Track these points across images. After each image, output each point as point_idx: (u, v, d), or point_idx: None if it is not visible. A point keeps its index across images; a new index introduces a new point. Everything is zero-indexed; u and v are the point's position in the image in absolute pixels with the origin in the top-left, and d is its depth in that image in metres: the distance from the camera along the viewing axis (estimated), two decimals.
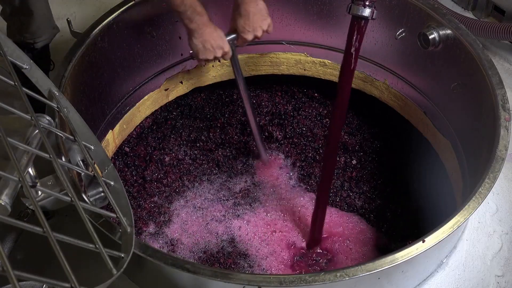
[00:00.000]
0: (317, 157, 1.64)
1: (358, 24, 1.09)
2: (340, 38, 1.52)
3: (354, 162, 1.64)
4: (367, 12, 1.07)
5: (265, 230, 1.47)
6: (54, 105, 0.88)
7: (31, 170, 0.75)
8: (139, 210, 1.50)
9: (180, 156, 1.64)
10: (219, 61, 1.62)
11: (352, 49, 1.11)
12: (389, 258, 0.91)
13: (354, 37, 1.10)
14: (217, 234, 1.46)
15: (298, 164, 1.64)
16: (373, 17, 1.08)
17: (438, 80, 1.39)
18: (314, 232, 1.41)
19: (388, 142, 1.67)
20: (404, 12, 1.38)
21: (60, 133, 0.83)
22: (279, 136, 1.69)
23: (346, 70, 1.14)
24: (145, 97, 1.54)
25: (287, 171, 1.64)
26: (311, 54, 1.62)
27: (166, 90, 1.59)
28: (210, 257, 1.41)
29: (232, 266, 1.39)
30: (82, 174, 0.83)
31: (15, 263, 0.56)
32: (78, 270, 0.59)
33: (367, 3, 1.06)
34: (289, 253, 1.41)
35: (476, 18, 1.90)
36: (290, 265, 1.39)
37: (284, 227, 1.47)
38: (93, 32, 1.30)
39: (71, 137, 0.84)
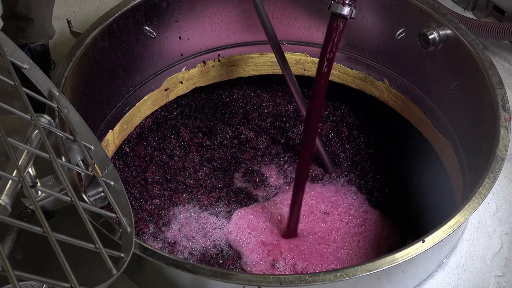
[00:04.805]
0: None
1: (336, 22, 1.09)
2: None
3: (354, 161, 1.64)
4: (345, 10, 1.07)
5: (267, 231, 1.47)
6: (54, 105, 0.88)
7: (31, 170, 0.75)
8: (139, 211, 1.50)
9: (180, 157, 1.64)
10: (219, 61, 1.62)
11: (329, 48, 1.11)
12: (389, 258, 0.91)
13: (332, 36, 1.10)
14: (217, 236, 1.46)
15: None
16: (352, 16, 1.08)
17: (438, 80, 1.39)
18: (291, 225, 1.42)
19: (388, 142, 1.67)
20: (404, 12, 1.38)
21: (60, 133, 0.83)
22: (282, 140, 1.69)
23: (322, 68, 1.14)
24: (145, 97, 1.54)
25: (290, 171, 1.64)
26: (311, 54, 1.62)
27: (166, 90, 1.59)
28: (209, 259, 1.41)
29: (231, 267, 1.39)
30: (82, 174, 0.83)
31: (15, 263, 0.56)
32: (78, 270, 0.59)
33: (346, 2, 1.06)
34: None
35: (476, 18, 1.90)
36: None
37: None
38: (93, 32, 1.30)
39: (71, 137, 0.84)
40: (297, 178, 1.37)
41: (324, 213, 1.51)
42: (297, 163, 1.43)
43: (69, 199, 0.68)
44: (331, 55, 1.13)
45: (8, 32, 1.54)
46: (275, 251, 1.41)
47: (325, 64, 1.15)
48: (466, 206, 0.99)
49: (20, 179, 0.63)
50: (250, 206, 1.53)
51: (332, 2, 1.08)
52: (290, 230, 1.44)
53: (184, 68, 1.59)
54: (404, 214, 1.51)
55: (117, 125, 1.48)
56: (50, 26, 1.61)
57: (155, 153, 1.63)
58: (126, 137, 1.58)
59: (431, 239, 0.94)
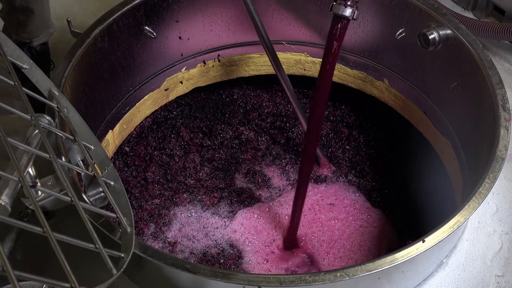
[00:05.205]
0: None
1: (338, 24, 1.09)
2: None
3: (354, 161, 1.64)
4: (347, 12, 1.08)
5: (267, 231, 1.47)
6: (54, 105, 0.88)
7: (31, 170, 0.75)
8: (140, 211, 1.51)
9: (180, 157, 1.64)
10: (219, 61, 1.62)
11: (332, 49, 1.12)
12: (389, 258, 0.91)
13: (334, 37, 1.11)
14: (218, 236, 1.46)
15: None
16: (354, 17, 1.09)
17: (438, 80, 1.39)
18: (291, 233, 1.41)
19: (388, 142, 1.67)
20: (404, 12, 1.38)
21: (60, 133, 0.83)
22: (282, 140, 1.69)
23: (325, 69, 1.15)
24: (145, 97, 1.54)
25: (291, 172, 1.64)
26: (311, 54, 1.62)
27: (166, 90, 1.59)
28: (210, 258, 1.41)
29: (233, 267, 1.39)
30: (82, 174, 0.83)
31: (15, 263, 0.56)
32: (78, 270, 0.59)
33: (348, 3, 1.07)
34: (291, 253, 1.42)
35: (476, 18, 1.90)
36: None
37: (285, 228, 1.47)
38: (93, 32, 1.30)
39: (71, 137, 0.84)
40: (299, 180, 1.36)
41: (330, 204, 1.51)
42: (299, 167, 1.43)
43: (69, 199, 0.68)
44: (334, 56, 1.13)
45: (10, 29, 1.54)
46: (279, 249, 1.42)
47: (327, 65, 1.15)
48: (466, 206, 0.99)
49: (20, 179, 0.63)
50: (255, 206, 1.53)
51: (334, 3, 1.09)
52: (289, 240, 1.43)
53: (184, 68, 1.59)
54: (404, 214, 1.51)
55: (117, 125, 1.48)
56: (50, 20, 1.61)
57: (155, 152, 1.63)
58: (126, 137, 1.58)
59: (431, 239, 0.94)
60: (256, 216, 1.50)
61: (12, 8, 1.51)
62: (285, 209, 1.51)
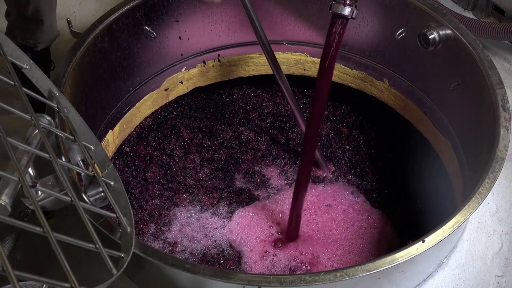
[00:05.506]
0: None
1: (337, 22, 1.10)
2: None
3: (353, 161, 1.64)
4: (346, 11, 1.08)
5: (267, 231, 1.47)
6: (54, 105, 0.88)
7: (31, 170, 0.75)
8: (140, 211, 1.51)
9: (180, 157, 1.64)
10: (219, 61, 1.62)
11: (331, 48, 1.12)
12: (389, 258, 0.91)
13: (333, 36, 1.11)
14: (217, 236, 1.46)
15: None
16: (353, 16, 1.09)
17: (438, 80, 1.39)
18: (292, 227, 1.42)
19: (388, 142, 1.67)
20: (404, 12, 1.38)
21: (60, 133, 0.83)
22: (282, 139, 1.69)
23: (324, 68, 1.15)
24: (145, 97, 1.54)
25: (289, 172, 1.64)
26: (311, 54, 1.62)
27: (166, 90, 1.59)
28: (210, 259, 1.41)
29: (232, 267, 1.39)
30: (82, 174, 0.83)
31: (15, 263, 0.56)
32: (78, 270, 0.59)
33: (347, 2, 1.07)
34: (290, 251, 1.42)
35: (476, 18, 1.90)
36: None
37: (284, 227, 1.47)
38: (93, 32, 1.30)
39: (71, 137, 0.84)
40: (298, 180, 1.37)
41: (327, 205, 1.51)
42: (298, 167, 1.44)
43: (69, 199, 0.68)
44: (333, 55, 1.13)
45: (16, 33, 1.53)
46: (277, 247, 1.42)
47: (326, 65, 1.15)
48: (466, 206, 0.99)
49: (20, 179, 0.63)
50: (251, 205, 1.53)
51: (333, 2, 1.09)
52: (291, 234, 1.44)
53: (184, 68, 1.59)
54: (404, 214, 1.51)
55: (117, 125, 1.48)
56: (56, 26, 1.61)
57: (155, 153, 1.63)
58: (126, 137, 1.58)
59: (431, 239, 0.94)
60: (251, 215, 1.51)
61: (22, 16, 1.49)
62: (279, 206, 1.51)
